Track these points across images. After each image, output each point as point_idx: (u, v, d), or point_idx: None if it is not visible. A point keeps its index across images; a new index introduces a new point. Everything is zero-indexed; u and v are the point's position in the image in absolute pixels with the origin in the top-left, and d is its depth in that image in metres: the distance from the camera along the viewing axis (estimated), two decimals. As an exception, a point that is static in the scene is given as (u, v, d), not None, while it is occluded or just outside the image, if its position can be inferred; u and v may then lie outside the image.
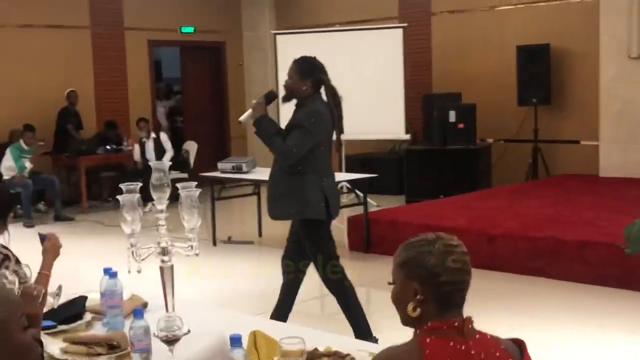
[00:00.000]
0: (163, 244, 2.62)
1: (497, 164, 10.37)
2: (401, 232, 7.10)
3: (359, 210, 7.54)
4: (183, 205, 2.65)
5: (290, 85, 4.32)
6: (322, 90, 4.41)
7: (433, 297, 1.86)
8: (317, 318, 5.63)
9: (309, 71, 4.30)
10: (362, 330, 4.47)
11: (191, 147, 11.31)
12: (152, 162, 2.72)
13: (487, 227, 6.80)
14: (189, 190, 2.65)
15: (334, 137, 4.44)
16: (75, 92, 10.96)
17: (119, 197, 2.60)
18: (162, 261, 2.64)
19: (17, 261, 3.13)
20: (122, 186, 2.69)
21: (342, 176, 7.77)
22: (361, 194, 7.59)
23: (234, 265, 7.19)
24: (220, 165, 7.87)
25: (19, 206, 10.01)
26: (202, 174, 8.04)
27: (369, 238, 7.26)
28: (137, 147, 10.72)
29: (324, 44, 10.48)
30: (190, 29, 12.81)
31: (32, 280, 3.02)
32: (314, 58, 4.41)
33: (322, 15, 12.23)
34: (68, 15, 11.31)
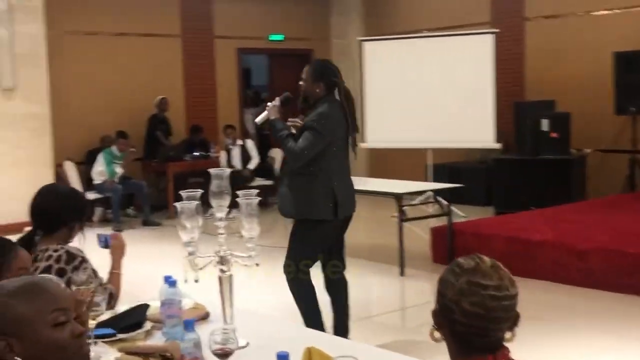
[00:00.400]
0: (222, 253, 2.52)
1: (592, 175, 9.92)
2: (487, 244, 6.84)
3: (444, 220, 7.31)
4: (242, 213, 2.55)
5: (305, 88, 4.43)
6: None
7: (449, 332, 1.69)
8: (396, 331, 5.44)
9: (321, 74, 4.39)
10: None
11: (277, 155, 11.30)
12: (212, 170, 2.63)
13: (579, 242, 6.46)
14: (249, 198, 2.55)
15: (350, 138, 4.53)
16: (165, 100, 11.14)
17: (176, 204, 2.52)
18: (221, 271, 2.54)
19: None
20: (183, 193, 2.61)
21: (426, 185, 7.56)
22: (445, 203, 7.33)
23: (313, 273, 7.05)
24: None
25: (109, 210, 10.24)
26: (252, 184, 7.98)
27: (453, 250, 7.02)
28: (223, 154, 10.79)
29: (411, 51, 10.33)
30: (279, 37, 12.86)
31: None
32: (327, 61, 4.61)
33: (412, 22, 12.05)
34: (160, 23, 11.53)
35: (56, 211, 3.13)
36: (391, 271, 6.91)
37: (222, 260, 2.54)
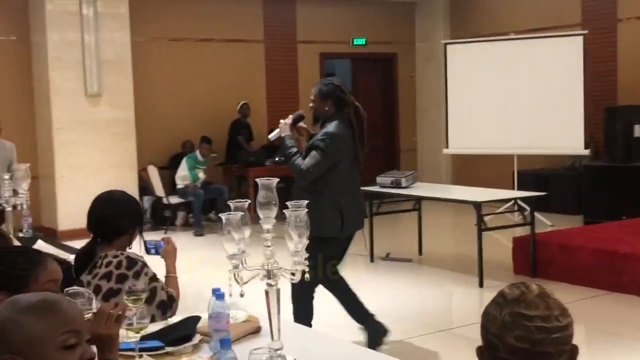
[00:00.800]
0: (268, 267, 2.41)
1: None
2: (573, 256, 6.53)
3: (528, 230, 7.01)
4: (290, 224, 2.43)
5: (314, 107, 4.60)
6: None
7: None
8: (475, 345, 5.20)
9: (328, 92, 4.52)
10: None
11: (358, 160, 11.15)
12: (260, 179, 2.52)
13: (672, 255, 6.07)
14: (296, 210, 2.43)
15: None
16: (247, 105, 11.19)
17: (222, 215, 2.42)
18: (268, 285, 2.43)
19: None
20: (231, 203, 2.52)
21: (508, 193, 7.27)
22: (528, 212, 7.03)
23: (390, 283, 6.94)
24: (379, 179, 7.64)
25: (191, 215, 10.35)
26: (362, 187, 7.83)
27: (536, 262, 6.72)
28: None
29: (497, 54, 10.02)
30: (362, 41, 12.73)
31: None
32: (334, 79, 4.74)
33: (498, 24, 11.70)
34: (243, 29, 11.58)
35: (113, 219, 3.10)
36: (470, 282, 6.67)
37: (269, 274, 2.41)
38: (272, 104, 11.93)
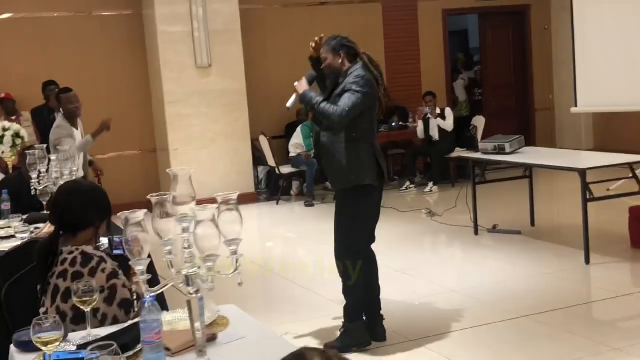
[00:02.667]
0: (185, 272, 2.06)
1: None
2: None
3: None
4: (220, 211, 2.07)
5: (328, 64, 4.38)
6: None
7: None
8: (582, 327, 4.61)
9: (337, 44, 4.37)
10: (353, 318, 4.37)
11: (479, 123, 10.47)
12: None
13: None
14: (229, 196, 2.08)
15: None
16: (362, 69, 10.78)
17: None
18: (188, 293, 2.10)
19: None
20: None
21: (620, 158, 6.37)
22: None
23: (496, 257, 6.39)
24: (481, 145, 7.04)
25: (305, 184, 10.14)
26: (461, 155, 7.28)
27: (655, 234, 5.93)
28: (420, 124, 10.20)
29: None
30: (490, -6, 11.90)
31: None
32: (339, 35, 4.47)
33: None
34: (360, -11, 11.14)
35: (78, 210, 2.87)
36: (577, 257, 5.99)
37: (188, 281, 2.08)
38: (391, 67, 11.41)
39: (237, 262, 2.12)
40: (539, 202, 7.41)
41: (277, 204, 9.74)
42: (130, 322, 2.58)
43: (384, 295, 5.48)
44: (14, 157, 6.28)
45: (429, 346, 4.36)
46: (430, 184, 9.86)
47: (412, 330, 4.62)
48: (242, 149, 9.97)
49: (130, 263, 2.10)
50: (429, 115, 10.09)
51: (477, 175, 7.47)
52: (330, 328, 4.74)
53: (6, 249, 3.57)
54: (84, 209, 2.88)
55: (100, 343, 2.07)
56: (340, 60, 4.34)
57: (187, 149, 9.70)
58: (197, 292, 2.08)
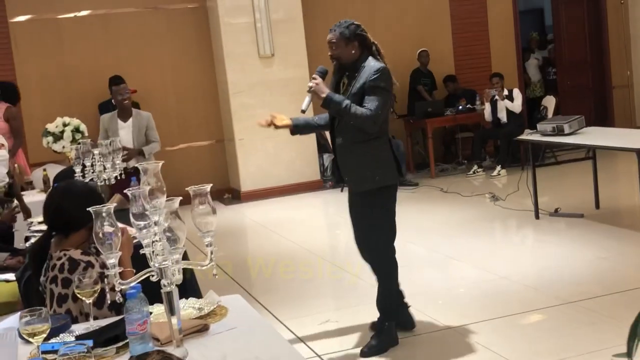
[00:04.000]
0: (157, 264, 2.08)
1: None
2: None
3: None
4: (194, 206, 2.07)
5: (339, 53, 4.07)
6: None
7: None
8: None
9: (352, 33, 4.06)
10: (386, 311, 4.24)
11: (549, 103, 10.15)
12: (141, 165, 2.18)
13: None
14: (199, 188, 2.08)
15: None
16: (426, 52, 10.63)
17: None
18: (163, 285, 2.12)
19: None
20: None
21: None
22: None
23: (558, 241, 6.20)
24: (539, 126, 6.83)
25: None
26: (519, 137, 7.07)
27: None
28: (487, 106, 9.97)
29: None
30: (561, -30, 11.50)
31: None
32: (352, 21, 4.14)
33: None
34: (425, -29, 10.96)
35: (71, 211, 2.90)
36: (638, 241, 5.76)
37: (162, 273, 2.10)
38: (460, 49, 11.21)
39: (211, 253, 2.12)
40: (604, 184, 7.14)
41: (342, 191, 9.71)
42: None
43: (431, 281, 5.43)
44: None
45: (467, 334, 4.27)
46: (498, 168, 9.64)
47: (451, 317, 4.54)
48: (306, 137, 9.96)
49: (101, 257, 2.13)
50: (496, 97, 9.86)
51: (539, 158, 7.24)
52: (368, 315, 4.71)
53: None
54: (75, 210, 2.86)
55: (77, 342, 2.12)
56: (353, 51, 4.06)
57: (253, 138, 9.79)
58: (170, 284, 2.10)
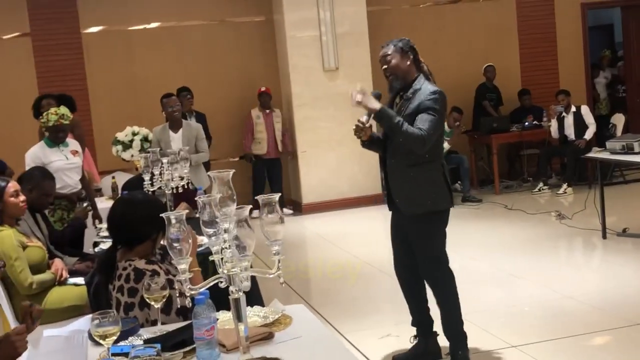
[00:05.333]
0: (226, 271, 2.11)
1: None
2: None
3: None
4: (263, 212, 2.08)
5: (394, 66, 3.96)
6: None
7: None
8: None
9: (405, 45, 3.99)
10: (455, 338, 4.10)
11: (618, 121, 9.93)
12: (213, 173, 2.21)
13: None
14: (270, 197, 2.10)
15: None
16: (492, 67, 10.53)
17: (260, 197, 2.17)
18: (231, 292, 2.14)
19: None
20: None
21: None
22: None
23: (625, 262, 6.06)
24: (608, 144, 6.69)
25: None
26: (587, 155, 6.94)
27: None
28: (554, 123, 9.81)
29: None
30: (634, -14, 11.27)
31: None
32: (403, 37, 4.09)
33: None
34: (492, -14, 10.88)
35: (133, 224, 2.95)
36: None
37: (230, 280, 2.13)
38: (526, 65, 11.08)
39: (278, 262, 2.14)
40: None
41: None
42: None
43: (493, 299, 5.36)
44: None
45: (531, 353, 4.20)
46: (564, 185, 9.46)
47: (514, 336, 4.47)
48: (369, 151, 9.98)
49: (172, 262, 2.18)
50: (563, 114, 9.71)
51: (607, 177, 7.09)
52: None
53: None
54: (137, 223, 2.93)
55: (146, 345, 2.17)
56: (408, 62, 3.96)
57: (315, 151, 9.84)
58: (239, 291, 2.13)
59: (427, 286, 4.22)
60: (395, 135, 3.91)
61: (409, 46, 4.00)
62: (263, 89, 9.72)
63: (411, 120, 3.88)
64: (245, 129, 9.79)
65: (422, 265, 4.10)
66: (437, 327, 4.23)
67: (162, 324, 2.70)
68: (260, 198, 2.13)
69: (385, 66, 4.01)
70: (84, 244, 5.72)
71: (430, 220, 4.00)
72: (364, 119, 3.99)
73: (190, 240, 2.13)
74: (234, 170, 2.16)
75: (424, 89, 3.92)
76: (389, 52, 3.98)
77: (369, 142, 4.14)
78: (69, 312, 4.21)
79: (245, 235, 2.08)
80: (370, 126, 4.05)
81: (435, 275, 4.10)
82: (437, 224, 4.04)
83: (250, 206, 2.12)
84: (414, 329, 4.77)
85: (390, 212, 4.20)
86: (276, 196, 2.15)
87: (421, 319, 4.26)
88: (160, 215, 2.96)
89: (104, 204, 6.59)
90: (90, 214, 5.89)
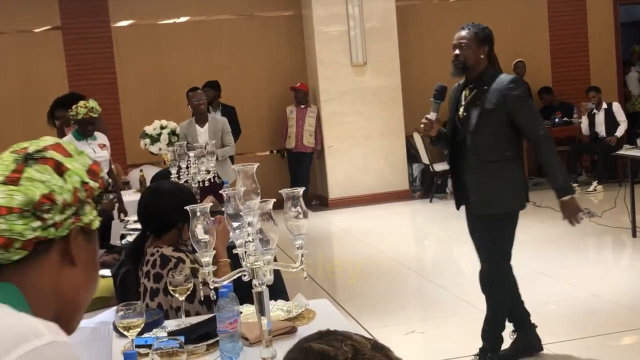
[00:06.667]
0: (249, 264, 2.10)
1: None
2: None
3: None
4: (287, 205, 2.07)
5: (466, 55, 3.71)
6: None
7: None
8: None
9: (486, 36, 3.74)
10: (492, 341, 3.95)
11: (649, 118, 9.80)
12: (238, 166, 2.20)
13: None
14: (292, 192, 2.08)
15: None
16: (522, 63, 10.43)
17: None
18: (254, 285, 2.14)
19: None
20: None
21: None
22: None
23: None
24: (639, 141, 6.59)
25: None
26: (618, 152, 6.84)
27: None
28: (584, 120, 9.70)
29: None
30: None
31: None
32: (481, 24, 3.82)
33: None
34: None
35: (161, 212, 2.96)
36: None
37: (254, 273, 2.12)
38: (557, 60, 10.96)
39: (302, 256, 2.13)
40: None
41: (431, 201, 9.64)
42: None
43: (523, 297, 5.31)
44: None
45: (558, 352, 4.16)
46: (594, 183, 9.35)
47: (542, 334, 4.40)
48: (396, 146, 9.96)
49: (196, 255, 2.18)
50: (594, 111, 9.59)
51: (638, 174, 6.99)
52: (454, 327, 4.65)
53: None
54: (165, 211, 2.95)
55: (170, 337, 2.17)
56: (482, 56, 3.72)
57: (342, 146, 9.83)
58: (262, 284, 2.12)
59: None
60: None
61: (488, 37, 3.76)
62: (298, 84, 9.73)
63: (493, 117, 3.69)
64: (282, 125, 9.87)
65: (488, 267, 3.93)
66: (535, 318, 4.13)
67: (185, 311, 2.71)
68: (284, 192, 2.12)
69: (457, 51, 3.74)
70: (111, 236, 5.77)
71: (501, 220, 3.81)
72: (431, 115, 3.81)
73: (215, 233, 2.13)
74: (258, 164, 2.15)
75: (500, 79, 3.72)
76: (466, 40, 3.73)
77: (437, 139, 3.91)
78: (95, 304, 4.23)
79: (268, 228, 2.07)
80: (439, 121, 3.83)
81: (498, 278, 3.93)
82: (507, 225, 3.84)
83: (274, 200, 2.12)
84: (440, 325, 4.75)
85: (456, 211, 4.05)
86: (300, 190, 2.13)
87: (517, 313, 4.09)
88: (187, 204, 2.99)
89: (132, 197, 6.63)
90: (116, 206, 5.93)
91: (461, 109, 3.85)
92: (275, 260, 2.25)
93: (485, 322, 4.02)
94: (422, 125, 3.85)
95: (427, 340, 4.58)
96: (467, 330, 4.69)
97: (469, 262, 6.54)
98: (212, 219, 2.93)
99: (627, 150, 6.91)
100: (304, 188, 2.22)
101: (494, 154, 3.72)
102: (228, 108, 9.10)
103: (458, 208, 4.00)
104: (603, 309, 4.87)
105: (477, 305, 5.19)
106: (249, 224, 2.10)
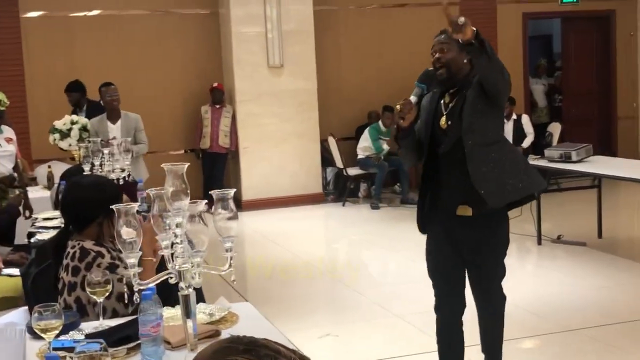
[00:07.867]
0: (177, 266, 2.07)
1: None
2: None
3: None
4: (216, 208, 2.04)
5: (449, 59, 3.37)
6: None
7: None
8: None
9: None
10: (496, 356, 3.71)
11: (555, 130, 10.17)
12: (166, 165, 2.17)
13: None
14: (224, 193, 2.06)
15: None
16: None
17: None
18: (181, 288, 2.10)
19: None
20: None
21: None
22: None
23: (560, 268, 6.20)
24: (547, 152, 6.84)
25: (373, 187, 10.08)
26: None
27: None
28: (493, 130, 9.97)
29: None
30: (573, -1, 11.55)
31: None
32: None
33: None
34: (438, -8, 11.00)
35: (80, 205, 2.88)
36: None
37: (181, 276, 2.08)
38: (468, 71, 11.22)
39: (231, 259, 2.11)
40: (608, 213, 7.14)
41: (344, 205, 9.71)
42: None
43: (433, 301, 5.40)
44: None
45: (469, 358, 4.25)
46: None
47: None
48: (311, 149, 10.00)
49: (122, 256, 2.12)
50: (504, 121, 9.87)
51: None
52: (368, 330, 4.69)
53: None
54: (84, 205, 2.87)
55: (90, 340, 2.10)
56: (465, 60, 3.40)
57: (257, 147, 9.78)
58: (189, 287, 2.09)
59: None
60: (492, 60, 3.32)
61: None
62: (215, 84, 9.63)
63: (476, 111, 3.35)
64: (196, 124, 9.74)
65: (489, 274, 3.60)
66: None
67: (103, 308, 2.63)
68: (214, 193, 2.09)
69: (438, 55, 3.42)
70: (16, 235, 5.56)
71: (507, 214, 3.46)
72: (412, 99, 3.42)
73: (141, 234, 2.07)
74: (188, 164, 2.12)
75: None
76: (447, 41, 3.41)
77: (408, 132, 3.46)
78: (2, 304, 4.08)
79: (198, 230, 2.04)
80: (416, 110, 3.45)
81: (496, 287, 3.63)
82: (505, 214, 3.47)
83: (206, 201, 2.09)
84: (354, 328, 4.79)
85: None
86: (231, 192, 2.11)
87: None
88: (108, 198, 2.90)
89: (39, 194, 6.41)
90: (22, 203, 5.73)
91: (443, 118, 3.44)
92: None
93: (484, 334, 3.82)
94: (398, 107, 3.41)
95: (341, 343, 4.61)
96: (380, 333, 4.75)
97: (382, 265, 6.68)
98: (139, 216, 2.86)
99: (533, 161, 7.13)
100: (234, 190, 2.20)
101: (489, 135, 3.35)
102: (94, 103, 8.45)
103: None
104: (509, 314, 4.99)
105: (391, 309, 5.27)
106: (177, 225, 2.07)
